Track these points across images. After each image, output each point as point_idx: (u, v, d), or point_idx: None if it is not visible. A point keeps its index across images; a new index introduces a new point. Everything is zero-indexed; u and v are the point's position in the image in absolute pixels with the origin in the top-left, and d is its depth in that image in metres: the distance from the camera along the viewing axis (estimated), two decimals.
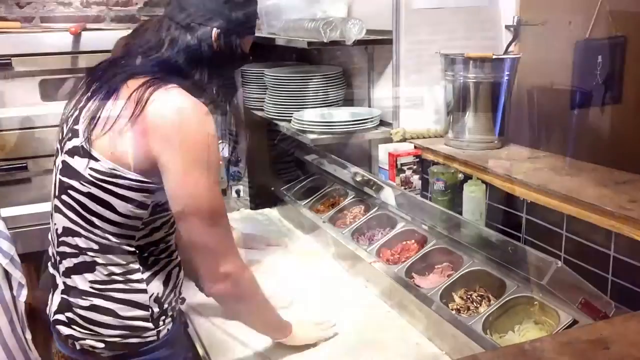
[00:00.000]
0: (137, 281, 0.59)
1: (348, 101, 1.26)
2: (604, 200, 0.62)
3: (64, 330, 0.60)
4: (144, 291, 0.59)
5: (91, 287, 0.57)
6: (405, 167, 0.99)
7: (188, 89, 0.58)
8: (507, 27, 0.99)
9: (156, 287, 0.60)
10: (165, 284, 0.62)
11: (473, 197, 0.85)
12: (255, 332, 0.71)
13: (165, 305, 0.62)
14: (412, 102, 1.06)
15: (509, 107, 0.96)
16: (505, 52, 0.98)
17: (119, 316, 0.57)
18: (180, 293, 0.70)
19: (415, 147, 1.02)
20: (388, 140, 1.06)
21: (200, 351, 0.76)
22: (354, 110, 1.20)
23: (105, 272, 0.57)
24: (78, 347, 0.60)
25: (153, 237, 0.61)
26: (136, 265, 0.59)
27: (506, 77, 0.93)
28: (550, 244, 0.72)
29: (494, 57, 0.91)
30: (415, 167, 0.99)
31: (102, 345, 0.58)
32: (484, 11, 1.03)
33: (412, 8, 0.99)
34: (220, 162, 0.99)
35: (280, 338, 0.76)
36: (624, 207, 0.59)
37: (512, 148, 0.98)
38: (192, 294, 0.83)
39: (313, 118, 1.12)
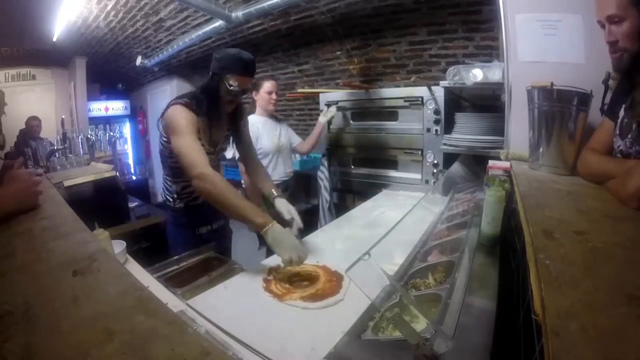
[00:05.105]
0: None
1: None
2: None
3: None
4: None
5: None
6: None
7: (187, 104, 1.28)
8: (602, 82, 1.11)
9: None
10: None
11: (491, 201, 1.07)
12: (255, 330, 0.78)
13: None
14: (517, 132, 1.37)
15: (578, 140, 1.10)
16: (602, 104, 1.10)
17: None
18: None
19: (510, 164, 1.35)
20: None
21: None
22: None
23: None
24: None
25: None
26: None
27: (574, 111, 1.10)
28: None
29: (557, 87, 1.12)
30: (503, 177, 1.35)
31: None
32: (581, 67, 1.19)
33: (518, 60, 1.33)
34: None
35: (257, 229, 1.08)
36: None
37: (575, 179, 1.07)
38: (193, 296, 0.92)
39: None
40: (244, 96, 1.43)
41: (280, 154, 2.36)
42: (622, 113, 0.97)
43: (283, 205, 1.38)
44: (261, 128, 2.26)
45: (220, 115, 1.40)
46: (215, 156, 1.48)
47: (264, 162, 2.19)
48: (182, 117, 1.26)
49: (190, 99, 1.34)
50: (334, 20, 2.66)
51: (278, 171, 2.35)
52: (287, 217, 1.33)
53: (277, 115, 2.51)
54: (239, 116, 1.53)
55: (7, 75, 4.78)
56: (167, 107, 1.33)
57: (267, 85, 2.26)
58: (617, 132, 0.98)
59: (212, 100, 1.34)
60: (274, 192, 1.45)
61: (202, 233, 1.52)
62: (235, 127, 1.53)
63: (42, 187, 1.02)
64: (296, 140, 2.53)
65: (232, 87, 1.31)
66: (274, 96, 2.29)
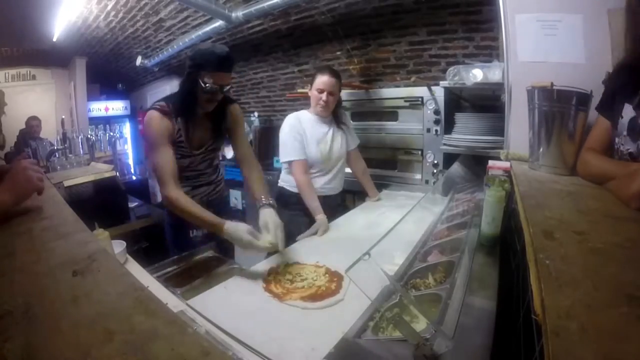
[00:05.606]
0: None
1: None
2: None
3: None
4: None
5: None
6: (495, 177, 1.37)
7: (162, 109, 1.26)
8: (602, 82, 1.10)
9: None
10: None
11: (491, 201, 1.06)
12: (255, 330, 0.78)
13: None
14: (517, 132, 1.37)
15: (578, 140, 1.10)
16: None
17: None
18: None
19: (510, 165, 1.35)
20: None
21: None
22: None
23: None
24: None
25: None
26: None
27: (574, 111, 1.10)
28: None
29: (557, 87, 1.11)
30: (503, 178, 1.34)
31: None
32: (581, 67, 1.18)
33: (518, 60, 1.33)
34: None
35: (216, 233, 1.14)
36: None
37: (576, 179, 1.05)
38: (193, 296, 0.93)
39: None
40: (226, 90, 1.33)
41: (331, 166, 1.87)
42: (629, 112, 0.92)
43: (264, 217, 1.20)
44: (307, 128, 1.79)
45: (199, 115, 1.37)
46: (202, 156, 1.47)
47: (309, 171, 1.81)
48: (155, 126, 1.26)
49: (167, 101, 1.32)
50: (334, 20, 2.66)
51: (320, 182, 1.85)
52: (262, 231, 1.16)
53: (343, 119, 1.96)
54: (226, 115, 1.46)
55: (7, 75, 4.80)
56: (146, 110, 1.31)
57: (318, 81, 1.78)
58: (625, 133, 0.93)
59: (188, 101, 1.31)
60: (263, 200, 1.28)
61: (197, 235, 1.51)
62: (225, 125, 1.48)
63: (43, 182, 1.01)
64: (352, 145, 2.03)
65: (207, 85, 1.25)
66: (324, 97, 1.76)
